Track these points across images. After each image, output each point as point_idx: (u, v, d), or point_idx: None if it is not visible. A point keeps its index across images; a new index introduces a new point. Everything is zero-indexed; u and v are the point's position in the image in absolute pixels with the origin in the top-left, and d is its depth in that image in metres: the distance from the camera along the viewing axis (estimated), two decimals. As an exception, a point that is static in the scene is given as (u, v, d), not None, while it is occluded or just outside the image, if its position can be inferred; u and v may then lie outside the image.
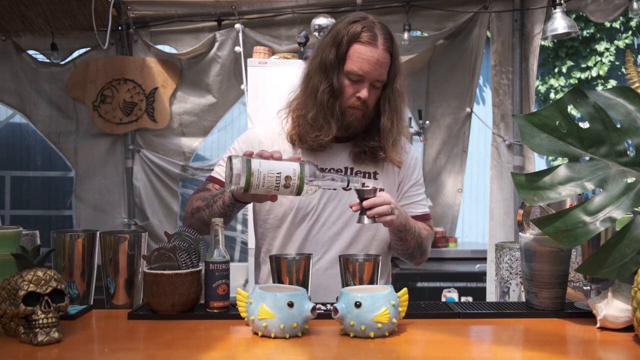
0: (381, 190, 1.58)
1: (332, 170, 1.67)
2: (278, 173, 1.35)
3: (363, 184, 1.57)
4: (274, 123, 1.72)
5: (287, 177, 1.36)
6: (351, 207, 1.47)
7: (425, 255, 1.73)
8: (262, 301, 1.15)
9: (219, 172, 1.70)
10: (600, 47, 6.76)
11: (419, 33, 4.40)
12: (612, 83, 6.76)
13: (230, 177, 1.33)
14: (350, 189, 1.48)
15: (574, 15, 5.81)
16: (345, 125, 1.63)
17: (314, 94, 1.61)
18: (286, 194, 1.39)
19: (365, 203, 1.44)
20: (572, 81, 6.80)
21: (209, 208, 1.57)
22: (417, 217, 1.74)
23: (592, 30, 6.76)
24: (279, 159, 1.40)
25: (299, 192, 1.39)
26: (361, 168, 1.68)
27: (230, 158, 1.35)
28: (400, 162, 1.70)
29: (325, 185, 1.43)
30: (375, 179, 1.69)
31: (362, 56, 1.56)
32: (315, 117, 1.61)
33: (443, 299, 3.18)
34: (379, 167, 1.70)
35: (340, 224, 1.65)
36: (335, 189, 1.63)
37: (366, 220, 1.44)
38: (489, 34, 3.74)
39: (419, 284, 3.42)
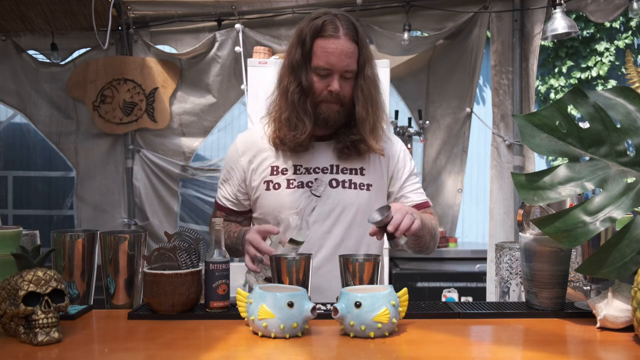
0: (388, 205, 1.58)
1: (317, 170, 1.67)
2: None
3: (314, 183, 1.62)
4: (257, 129, 1.75)
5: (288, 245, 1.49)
6: (374, 235, 1.46)
7: (436, 242, 1.72)
8: (262, 301, 1.15)
9: (221, 198, 1.77)
10: (600, 47, 6.75)
11: (419, 33, 4.40)
12: (612, 83, 6.76)
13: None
14: (319, 195, 1.53)
15: (574, 15, 5.80)
16: (323, 121, 1.64)
17: (285, 95, 1.64)
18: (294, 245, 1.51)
19: (391, 228, 1.41)
20: (572, 81, 6.79)
21: (230, 239, 1.65)
22: (419, 206, 1.72)
23: (592, 30, 6.76)
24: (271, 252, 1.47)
25: (299, 243, 1.49)
26: (347, 165, 1.68)
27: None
28: (381, 150, 1.68)
29: (308, 220, 1.52)
30: (362, 174, 1.69)
31: (327, 49, 1.57)
32: (288, 118, 1.63)
33: (443, 299, 3.18)
34: (365, 162, 1.70)
35: (329, 223, 1.65)
36: (319, 196, 1.63)
37: (402, 241, 1.44)
38: (489, 34, 3.74)
39: (419, 284, 3.43)
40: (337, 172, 1.67)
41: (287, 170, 1.67)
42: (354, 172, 1.68)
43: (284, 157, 1.68)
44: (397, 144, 1.78)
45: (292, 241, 1.49)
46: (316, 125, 1.64)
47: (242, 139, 1.77)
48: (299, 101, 1.61)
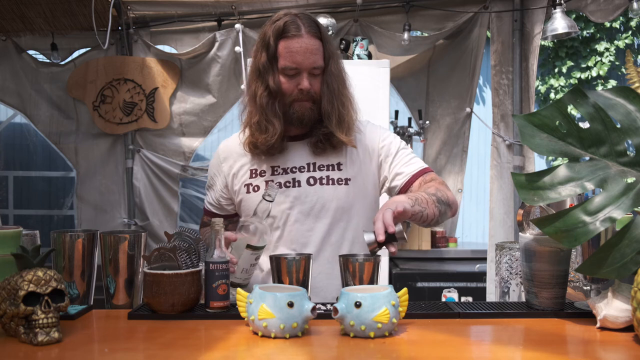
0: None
1: (294, 169, 1.68)
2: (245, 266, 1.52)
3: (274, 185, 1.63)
4: (234, 136, 1.79)
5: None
6: (372, 249, 1.42)
7: (454, 205, 1.63)
8: (262, 301, 1.15)
9: (206, 203, 1.83)
10: (600, 47, 6.75)
11: (419, 33, 4.40)
12: (612, 83, 6.76)
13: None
14: (272, 200, 1.54)
15: (574, 15, 5.81)
16: (298, 120, 1.65)
17: (254, 99, 1.66)
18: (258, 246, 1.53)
19: (379, 238, 1.36)
20: (572, 81, 6.79)
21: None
22: (415, 175, 1.67)
23: (592, 30, 6.76)
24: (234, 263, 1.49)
25: (258, 249, 1.52)
26: (323, 161, 1.69)
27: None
28: (351, 141, 1.67)
29: (265, 222, 1.54)
30: (339, 169, 1.69)
31: (291, 49, 1.59)
32: (258, 121, 1.65)
33: (443, 299, 3.18)
34: (342, 156, 1.70)
35: (310, 221, 1.66)
36: (272, 200, 1.60)
37: (398, 234, 1.37)
38: (489, 34, 3.74)
39: (419, 284, 3.42)
40: (314, 170, 1.68)
41: (265, 172, 1.69)
42: (331, 168, 1.69)
43: (261, 160, 1.70)
44: (374, 132, 1.76)
45: (249, 247, 1.50)
46: (291, 125, 1.66)
47: (223, 146, 1.81)
48: (267, 104, 1.63)
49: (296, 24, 1.60)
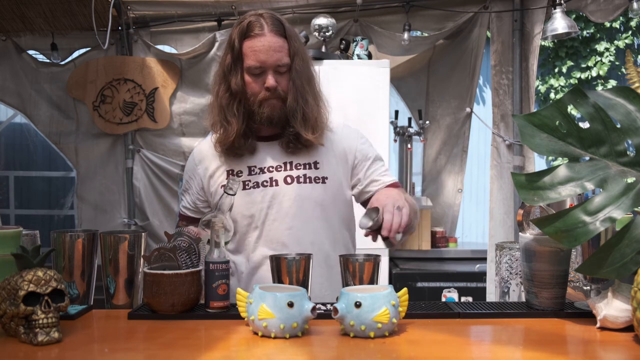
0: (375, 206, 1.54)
1: (271, 169, 1.68)
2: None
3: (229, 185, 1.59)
4: (208, 139, 1.80)
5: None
6: (368, 236, 1.46)
7: (419, 218, 1.71)
8: (262, 301, 1.15)
9: (182, 208, 1.83)
10: (600, 47, 6.76)
11: (419, 33, 4.40)
12: (612, 83, 6.76)
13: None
14: (234, 194, 1.52)
15: (574, 15, 5.80)
16: (267, 120, 1.65)
17: (216, 100, 1.69)
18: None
19: (385, 233, 1.41)
20: (572, 81, 6.80)
21: None
22: (391, 186, 1.73)
23: (592, 30, 6.76)
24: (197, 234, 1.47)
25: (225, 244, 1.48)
26: (299, 160, 1.70)
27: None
28: (316, 139, 1.67)
29: (228, 217, 1.51)
30: (316, 168, 1.70)
31: (255, 48, 1.60)
32: (218, 121, 1.68)
33: (443, 299, 3.18)
34: (318, 155, 1.71)
35: (289, 219, 1.66)
36: (234, 194, 1.59)
37: (398, 237, 1.42)
38: (489, 34, 3.74)
39: (419, 284, 3.42)
40: (291, 169, 1.69)
41: (242, 172, 1.69)
42: (307, 166, 1.70)
43: (237, 161, 1.70)
44: (351, 134, 1.78)
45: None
46: (262, 125, 1.67)
47: (197, 150, 1.82)
48: (228, 104, 1.65)
49: (259, 23, 1.61)
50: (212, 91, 1.73)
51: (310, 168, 1.70)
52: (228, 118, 1.66)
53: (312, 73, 1.71)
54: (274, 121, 1.66)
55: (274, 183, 1.67)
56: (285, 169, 1.69)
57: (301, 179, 1.68)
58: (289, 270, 1.38)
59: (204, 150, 1.79)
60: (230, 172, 1.70)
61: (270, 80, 1.61)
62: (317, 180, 1.68)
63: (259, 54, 1.60)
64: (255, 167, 1.70)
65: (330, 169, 1.71)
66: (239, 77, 1.63)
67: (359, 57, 3.45)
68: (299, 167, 1.69)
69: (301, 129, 1.65)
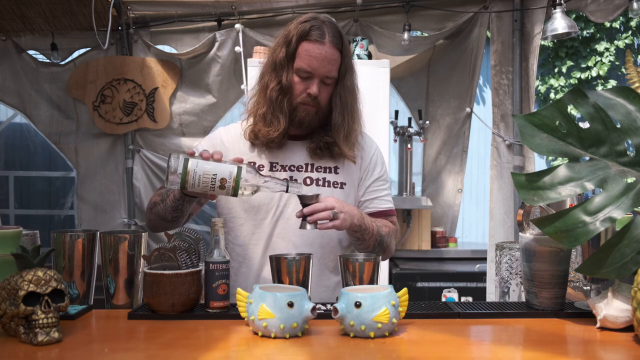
0: (340, 187, 1.57)
1: (292, 167, 1.69)
2: (214, 175, 1.39)
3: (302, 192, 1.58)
4: (237, 124, 1.78)
5: (223, 179, 1.39)
6: (297, 215, 1.50)
7: (389, 252, 1.72)
8: (262, 301, 1.15)
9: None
10: (600, 47, 6.76)
11: (419, 33, 4.39)
12: (612, 83, 6.76)
13: (167, 174, 1.39)
14: (290, 193, 1.51)
15: (574, 15, 5.81)
16: (298, 122, 1.66)
17: (264, 91, 1.67)
18: (222, 194, 1.43)
19: (306, 210, 1.47)
20: (572, 81, 6.80)
21: (163, 203, 1.61)
22: (381, 213, 1.74)
23: (592, 30, 6.76)
24: (219, 160, 1.42)
25: (234, 193, 1.41)
26: (321, 163, 1.71)
27: (170, 155, 1.40)
28: (353, 157, 1.71)
29: (264, 188, 1.45)
30: (336, 173, 1.71)
31: (310, 53, 1.60)
32: (265, 114, 1.66)
33: (443, 299, 3.18)
34: (339, 162, 1.72)
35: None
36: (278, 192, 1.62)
37: (308, 226, 1.47)
38: (489, 34, 3.74)
39: (419, 284, 3.42)
40: (311, 170, 1.70)
41: (263, 167, 1.69)
42: (328, 170, 1.71)
43: (260, 154, 1.71)
44: (370, 147, 1.79)
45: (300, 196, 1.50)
46: (291, 125, 1.67)
47: (224, 131, 1.80)
48: (277, 99, 1.64)
49: (321, 30, 1.61)
50: (260, 80, 1.71)
51: (330, 172, 1.71)
52: (276, 113, 1.65)
53: (357, 91, 1.72)
54: (304, 125, 1.67)
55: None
56: (307, 170, 1.70)
57: (320, 182, 1.69)
58: (289, 270, 1.39)
59: (231, 133, 1.77)
60: (252, 164, 1.69)
61: (314, 89, 1.61)
62: (336, 185, 1.70)
63: (313, 60, 1.60)
64: (277, 163, 1.70)
65: (349, 175, 1.72)
66: (291, 73, 1.63)
67: (359, 57, 3.45)
68: (319, 170, 1.70)
69: (343, 144, 1.67)
